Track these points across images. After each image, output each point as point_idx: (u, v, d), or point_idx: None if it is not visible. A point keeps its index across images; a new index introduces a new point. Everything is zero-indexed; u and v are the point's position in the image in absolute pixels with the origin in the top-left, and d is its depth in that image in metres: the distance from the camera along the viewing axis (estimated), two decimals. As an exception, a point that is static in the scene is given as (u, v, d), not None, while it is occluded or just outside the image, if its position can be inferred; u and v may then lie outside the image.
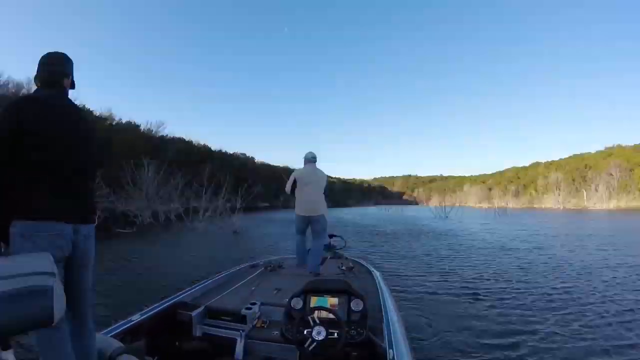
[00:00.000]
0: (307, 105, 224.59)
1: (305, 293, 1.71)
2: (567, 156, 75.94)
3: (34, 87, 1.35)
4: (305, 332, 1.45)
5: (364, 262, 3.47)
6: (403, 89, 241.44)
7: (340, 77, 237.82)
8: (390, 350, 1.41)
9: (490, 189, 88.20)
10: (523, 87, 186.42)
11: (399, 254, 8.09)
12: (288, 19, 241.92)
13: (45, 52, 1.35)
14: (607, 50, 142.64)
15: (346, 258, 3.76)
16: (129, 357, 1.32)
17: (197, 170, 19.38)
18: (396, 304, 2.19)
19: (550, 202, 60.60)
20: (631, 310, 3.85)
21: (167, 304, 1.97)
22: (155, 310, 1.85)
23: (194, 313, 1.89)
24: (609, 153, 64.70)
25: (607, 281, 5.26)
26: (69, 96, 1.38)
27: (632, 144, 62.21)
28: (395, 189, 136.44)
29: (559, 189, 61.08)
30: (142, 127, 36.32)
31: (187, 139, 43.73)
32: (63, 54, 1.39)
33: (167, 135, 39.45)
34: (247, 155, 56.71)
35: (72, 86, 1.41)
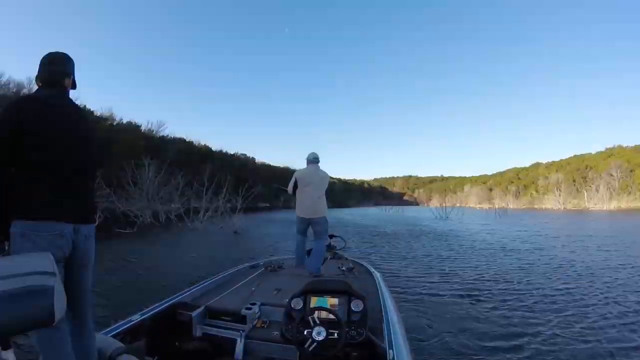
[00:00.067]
0: (307, 105, 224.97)
1: (306, 293, 1.70)
2: (567, 157, 76.05)
3: (35, 88, 1.35)
4: (305, 332, 1.45)
5: (364, 263, 3.47)
6: (403, 89, 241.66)
7: (341, 77, 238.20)
8: (390, 351, 1.41)
9: (490, 190, 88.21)
10: (523, 87, 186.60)
11: (400, 255, 8.08)
12: (288, 19, 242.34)
13: (46, 52, 1.36)
14: (607, 50, 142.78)
15: (346, 259, 3.75)
16: (129, 357, 1.32)
17: (197, 171, 19.41)
18: (396, 305, 2.19)
19: (551, 202, 60.55)
20: (635, 311, 3.82)
21: (167, 304, 1.97)
22: (155, 311, 1.85)
23: (194, 313, 1.89)
24: (609, 153, 64.69)
25: (609, 282, 5.24)
26: (70, 96, 1.39)
27: (633, 145, 62.29)
28: (396, 189, 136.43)
29: (560, 190, 61.00)
30: (142, 128, 36.44)
31: (187, 139, 43.86)
32: (64, 53, 1.39)
33: (167, 135, 39.57)
34: (248, 155, 56.83)
35: (74, 86, 1.41)
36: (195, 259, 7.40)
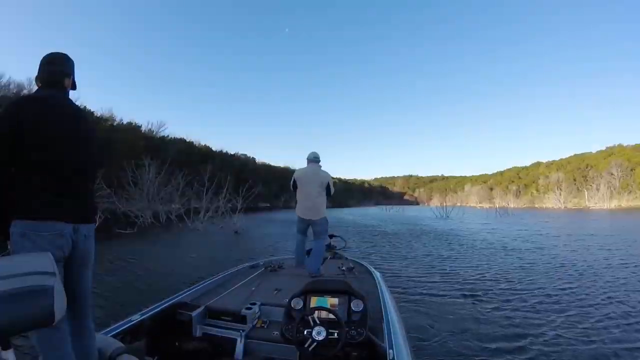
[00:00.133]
0: (308, 105, 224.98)
1: (306, 293, 1.70)
2: (568, 156, 75.99)
3: (35, 89, 1.35)
4: (305, 332, 1.46)
5: (364, 263, 3.46)
6: (403, 88, 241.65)
7: (341, 77, 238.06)
8: (390, 351, 1.41)
9: (491, 189, 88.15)
10: (523, 86, 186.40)
11: (400, 255, 8.08)
12: (288, 19, 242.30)
13: (46, 53, 1.36)
14: (607, 49, 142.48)
15: (346, 258, 3.75)
16: (129, 357, 1.32)
17: (197, 171, 19.39)
18: (396, 305, 2.19)
19: (552, 201, 60.51)
20: (639, 311, 3.79)
21: (167, 304, 1.97)
22: (155, 310, 1.85)
23: (194, 313, 1.89)
24: (609, 152, 64.63)
25: (611, 281, 5.22)
26: (71, 96, 1.39)
27: (633, 144, 62.20)
28: (396, 189, 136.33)
29: (560, 189, 60.96)
30: (143, 128, 36.38)
31: (187, 139, 43.78)
32: (64, 54, 1.39)
33: (167, 135, 39.52)
34: (248, 155, 56.77)
35: (73, 87, 1.42)
36: (195, 259, 7.40)
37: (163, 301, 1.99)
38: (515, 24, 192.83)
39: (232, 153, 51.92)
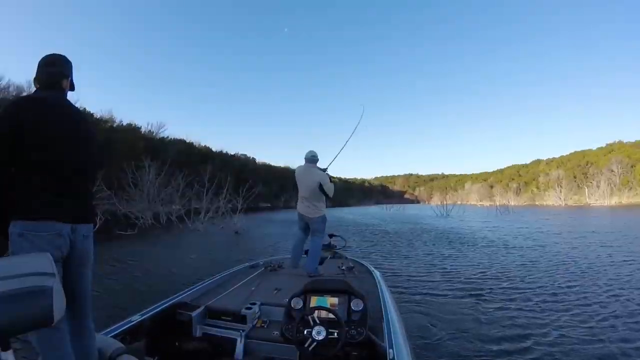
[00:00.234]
0: (308, 105, 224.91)
1: (305, 293, 1.71)
2: (568, 153, 75.93)
3: (33, 90, 1.35)
4: (305, 332, 1.46)
5: (364, 262, 3.45)
6: (403, 88, 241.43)
7: (341, 77, 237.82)
8: (390, 350, 1.41)
9: (491, 187, 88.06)
10: (523, 85, 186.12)
11: (401, 254, 8.07)
12: (288, 19, 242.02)
13: (45, 54, 1.36)
14: (607, 47, 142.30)
15: (346, 258, 3.74)
16: (129, 357, 1.33)
17: (198, 171, 19.38)
18: (396, 304, 2.18)
19: (552, 199, 60.44)
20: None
21: (167, 304, 1.97)
22: (155, 311, 1.85)
23: (194, 313, 1.90)
24: (610, 149, 64.57)
25: (614, 279, 5.19)
26: (70, 98, 1.39)
27: (633, 140, 62.14)
28: (396, 187, 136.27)
29: (561, 186, 60.91)
30: (142, 129, 36.36)
31: (187, 140, 43.75)
32: (62, 55, 1.40)
33: (167, 136, 39.50)
34: (248, 156, 56.73)
35: (72, 88, 1.42)
36: (196, 260, 7.41)
37: (163, 301, 2.00)
38: (515, 23, 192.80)
39: (232, 153, 51.86)
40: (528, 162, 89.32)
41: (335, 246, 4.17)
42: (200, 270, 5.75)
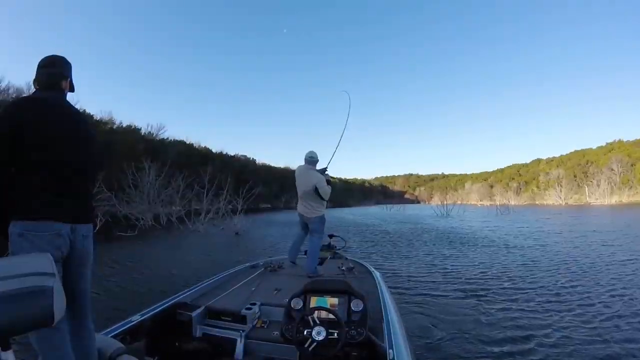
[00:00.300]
0: (308, 105, 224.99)
1: (305, 293, 1.71)
2: (568, 152, 75.93)
3: (33, 91, 1.35)
4: (305, 332, 1.46)
5: (364, 263, 3.45)
6: (403, 88, 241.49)
7: (341, 77, 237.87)
8: (390, 351, 1.41)
9: (491, 187, 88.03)
10: (523, 84, 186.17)
11: (401, 254, 8.07)
12: (288, 19, 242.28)
13: (43, 56, 1.37)
14: (606, 46, 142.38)
15: (346, 258, 3.74)
16: (129, 357, 1.33)
17: (198, 173, 19.36)
18: (396, 305, 2.18)
19: (552, 198, 60.43)
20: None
21: (167, 304, 1.98)
22: (155, 311, 1.86)
23: (194, 313, 1.90)
24: (609, 148, 64.57)
25: (617, 278, 5.16)
26: (70, 99, 1.40)
27: (633, 139, 62.10)
28: (397, 188, 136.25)
29: (561, 185, 60.90)
30: (142, 130, 36.41)
31: (187, 141, 43.81)
32: (61, 56, 1.40)
33: (167, 138, 39.54)
34: (248, 156, 56.74)
35: (72, 89, 1.42)
36: (196, 261, 7.41)
37: (163, 301, 2.00)
38: (514, 22, 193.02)
39: (232, 154, 51.94)
40: (528, 161, 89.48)
41: (335, 246, 4.17)
42: (200, 271, 5.75)
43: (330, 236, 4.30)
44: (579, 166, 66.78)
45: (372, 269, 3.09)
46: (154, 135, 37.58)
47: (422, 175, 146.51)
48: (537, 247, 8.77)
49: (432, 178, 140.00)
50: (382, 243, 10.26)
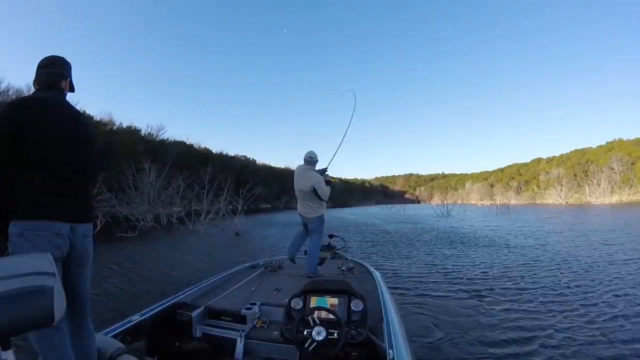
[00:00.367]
0: (308, 105, 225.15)
1: (305, 293, 1.71)
2: (568, 151, 75.89)
3: (33, 92, 1.36)
4: (305, 332, 1.46)
5: (364, 263, 3.45)
6: (403, 87, 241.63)
7: (341, 77, 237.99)
8: (390, 351, 1.41)
9: (492, 186, 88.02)
10: (522, 83, 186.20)
11: (401, 254, 8.07)
12: (288, 19, 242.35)
13: (44, 56, 1.37)
14: (606, 44, 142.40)
15: (346, 259, 3.74)
16: (129, 357, 1.33)
17: (198, 173, 19.38)
18: (396, 305, 2.18)
19: (553, 197, 60.43)
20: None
21: (167, 304, 1.98)
22: (155, 311, 1.86)
23: (194, 313, 1.90)
24: (610, 147, 64.52)
25: (619, 277, 5.13)
26: (70, 101, 1.40)
27: (633, 138, 62.06)
28: (397, 187, 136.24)
29: (561, 185, 60.90)
30: (142, 131, 36.44)
31: (187, 142, 43.86)
32: (61, 57, 1.41)
33: (167, 138, 39.58)
34: (248, 157, 56.77)
35: (72, 89, 1.43)
36: (197, 261, 7.41)
37: (163, 301, 2.00)
38: (514, 21, 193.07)
39: (232, 155, 52.00)
40: (528, 160, 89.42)
41: (335, 247, 4.17)
42: (201, 271, 5.75)
43: (330, 236, 4.30)
44: (579, 165, 66.76)
45: (372, 269, 3.09)
46: (154, 136, 37.64)
47: (422, 175, 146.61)
48: (538, 246, 8.76)
49: (433, 178, 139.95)
50: (383, 243, 10.25)
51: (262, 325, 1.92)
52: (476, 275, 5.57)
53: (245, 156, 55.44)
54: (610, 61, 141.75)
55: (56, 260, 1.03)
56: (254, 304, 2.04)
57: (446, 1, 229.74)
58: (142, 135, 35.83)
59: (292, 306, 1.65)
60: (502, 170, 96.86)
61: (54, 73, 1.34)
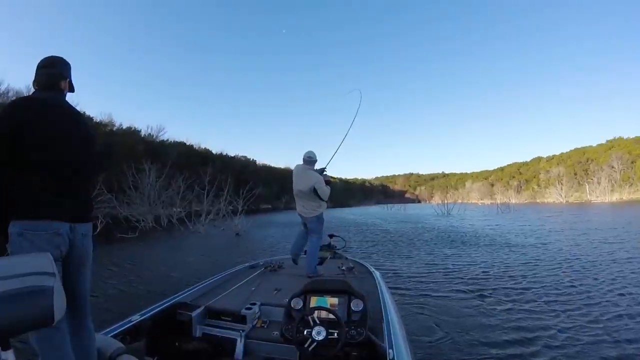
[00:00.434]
0: (308, 105, 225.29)
1: (305, 293, 1.71)
2: (568, 150, 75.83)
3: (33, 92, 1.36)
4: (305, 332, 1.46)
5: (364, 263, 3.45)
6: (403, 87, 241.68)
7: (341, 77, 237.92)
8: (390, 350, 1.41)
9: (492, 185, 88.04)
10: (522, 83, 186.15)
11: (402, 253, 8.06)
12: (288, 19, 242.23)
13: (43, 57, 1.37)
14: (606, 44, 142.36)
15: (346, 258, 3.74)
16: (129, 357, 1.33)
17: (198, 174, 19.40)
18: (396, 305, 2.18)
19: (553, 196, 60.45)
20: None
21: (167, 304, 1.98)
22: (155, 311, 1.86)
23: (194, 313, 1.90)
24: (610, 145, 64.45)
25: (622, 276, 5.11)
26: (70, 102, 1.40)
27: (633, 136, 62.04)
28: (397, 187, 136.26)
29: (561, 183, 60.88)
30: (142, 132, 36.49)
31: (187, 142, 43.92)
32: (60, 57, 1.41)
33: (167, 139, 39.64)
34: (249, 157, 56.81)
35: (72, 89, 1.43)
36: (197, 262, 7.41)
37: (163, 301, 2.00)
38: (513, 21, 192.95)
39: (232, 155, 52.05)
40: (528, 159, 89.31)
41: (335, 246, 4.17)
42: (201, 272, 5.75)
43: (331, 236, 4.31)
44: (580, 164, 66.72)
45: (372, 269, 3.09)
46: (154, 136, 37.69)
47: (422, 175, 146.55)
48: (539, 245, 8.75)
49: (433, 177, 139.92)
50: (383, 243, 10.25)
51: (262, 325, 1.92)
52: (477, 274, 5.55)
53: (245, 156, 55.52)
54: (610, 60, 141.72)
55: (56, 260, 1.03)
56: (254, 304, 2.04)
57: (446, 1, 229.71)
58: (142, 136, 35.90)
59: (292, 306, 1.65)
60: (502, 169, 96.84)
61: (54, 73, 1.34)
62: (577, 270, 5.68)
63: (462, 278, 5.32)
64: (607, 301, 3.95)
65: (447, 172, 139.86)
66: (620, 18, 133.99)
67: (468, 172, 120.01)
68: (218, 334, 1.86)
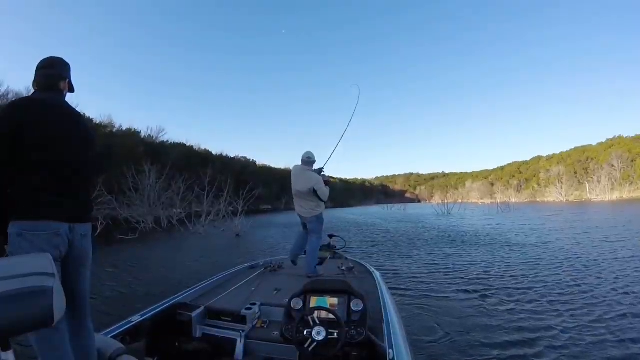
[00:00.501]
0: (308, 105, 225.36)
1: (305, 293, 1.71)
2: (568, 149, 75.86)
3: (32, 92, 1.36)
4: (305, 332, 1.46)
5: (364, 263, 3.45)
6: (403, 87, 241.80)
7: (341, 77, 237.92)
8: (390, 350, 1.41)
9: (492, 185, 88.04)
10: (522, 82, 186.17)
11: (402, 253, 8.06)
12: (288, 19, 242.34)
13: (42, 58, 1.37)
14: (606, 43, 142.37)
15: (346, 258, 3.74)
16: (129, 357, 1.33)
17: (198, 175, 19.41)
18: (396, 305, 2.18)
19: (553, 195, 60.43)
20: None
21: (167, 304, 1.98)
22: (155, 311, 1.86)
23: (193, 314, 1.90)
24: (610, 144, 64.47)
25: (624, 275, 5.09)
26: (70, 103, 1.40)
27: (633, 134, 62.06)
28: (397, 187, 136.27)
29: (561, 182, 60.86)
30: (142, 133, 36.51)
31: (187, 143, 43.94)
32: (59, 58, 1.41)
33: (167, 140, 39.66)
34: (248, 158, 56.79)
35: (71, 89, 1.43)
36: (197, 263, 7.41)
37: (163, 302, 2.01)
38: (514, 19, 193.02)
39: (232, 156, 52.06)
40: (528, 158, 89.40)
41: (335, 246, 4.17)
42: (201, 273, 5.74)
43: (330, 236, 4.31)
44: (580, 163, 66.74)
45: (372, 269, 3.09)
46: (154, 138, 37.72)
47: (422, 175, 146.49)
48: (539, 244, 8.74)
49: (433, 177, 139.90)
50: (383, 242, 10.24)
51: (262, 325, 1.93)
52: (477, 274, 5.54)
53: (245, 157, 55.52)
54: (609, 59, 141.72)
55: (55, 260, 1.03)
56: (254, 304, 2.04)
57: (446, 1, 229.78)
58: (142, 137, 35.91)
59: (292, 306, 1.65)
60: (502, 168, 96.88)
61: (53, 74, 1.34)
62: (579, 269, 5.65)
63: (462, 278, 5.31)
64: (610, 300, 3.92)
65: (447, 171, 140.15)
66: (620, 17, 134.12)
67: (468, 171, 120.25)
68: (218, 334, 1.86)
